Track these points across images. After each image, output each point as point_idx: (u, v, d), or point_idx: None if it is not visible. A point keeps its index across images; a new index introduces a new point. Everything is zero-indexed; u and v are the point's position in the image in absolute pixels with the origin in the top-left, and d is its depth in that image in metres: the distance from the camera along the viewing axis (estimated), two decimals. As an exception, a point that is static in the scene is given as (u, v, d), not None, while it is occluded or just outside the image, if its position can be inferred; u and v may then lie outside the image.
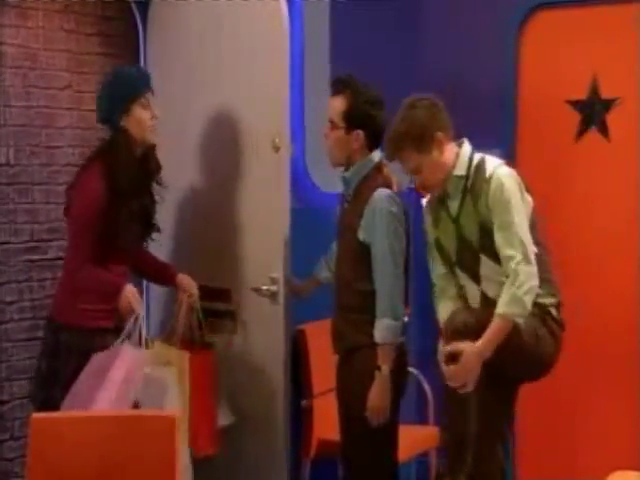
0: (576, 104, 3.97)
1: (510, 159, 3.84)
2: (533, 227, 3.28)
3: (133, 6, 4.33)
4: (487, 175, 3.24)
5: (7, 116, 4.02)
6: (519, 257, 3.16)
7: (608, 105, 3.91)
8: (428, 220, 3.44)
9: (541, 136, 4.05)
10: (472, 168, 3.28)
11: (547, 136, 4.05)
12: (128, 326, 3.53)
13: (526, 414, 4.00)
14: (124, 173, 3.59)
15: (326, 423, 4.04)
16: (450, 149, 3.32)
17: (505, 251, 3.19)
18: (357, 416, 3.50)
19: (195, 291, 3.82)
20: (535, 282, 3.18)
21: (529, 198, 3.29)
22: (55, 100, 3.87)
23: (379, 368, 3.47)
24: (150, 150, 3.71)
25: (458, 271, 3.36)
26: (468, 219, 3.28)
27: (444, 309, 3.41)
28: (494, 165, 3.27)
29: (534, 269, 3.18)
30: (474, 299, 3.34)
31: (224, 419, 3.87)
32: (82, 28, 4.24)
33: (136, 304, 3.57)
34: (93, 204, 3.55)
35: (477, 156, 3.31)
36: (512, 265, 3.17)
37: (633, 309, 3.98)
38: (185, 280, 3.85)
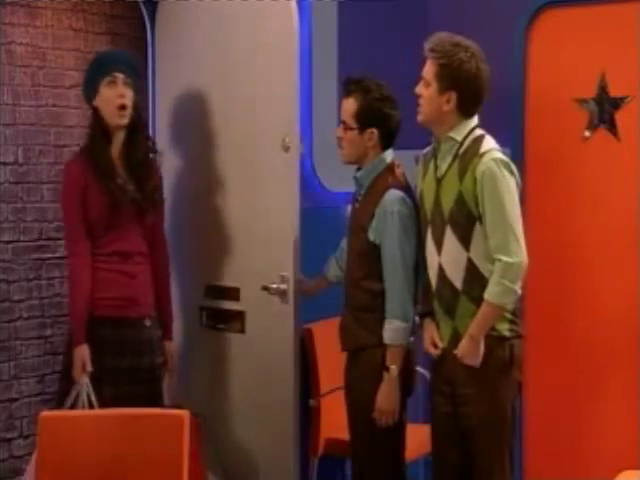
0: (584, 102, 3.96)
1: (518, 157, 3.84)
2: None
3: (141, 5, 4.34)
4: (481, 150, 3.24)
5: (16, 115, 4.03)
6: (511, 248, 3.18)
7: (617, 103, 3.90)
8: (419, 171, 3.44)
9: (549, 134, 4.03)
10: (469, 138, 3.28)
11: (555, 134, 4.03)
12: (74, 393, 3.53)
13: (530, 414, 3.99)
14: (97, 149, 3.61)
15: (333, 422, 4.04)
16: (457, 115, 3.29)
17: (493, 242, 3.20)
18: (364, 415, 3.50)
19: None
20: (522, 269, 3.21)
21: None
22: (64, 99, 3.89)
23: (387, 369, 3.47)
24: (136, 130, 3.71)
25: (429, 235, 3.34)
26: (449, 185, 3.27)
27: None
28: (492, 146, 3.27)
29: (523, 258, 3.20)
30: (433, 271, 3.34)
31: None
32: (91, 27, 4.26)
33: (79, 373, 3.54)
34: (74, 182, 3.58)
35: (479, 131, 3.31)
36: (502, 258, 3.18)
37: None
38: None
